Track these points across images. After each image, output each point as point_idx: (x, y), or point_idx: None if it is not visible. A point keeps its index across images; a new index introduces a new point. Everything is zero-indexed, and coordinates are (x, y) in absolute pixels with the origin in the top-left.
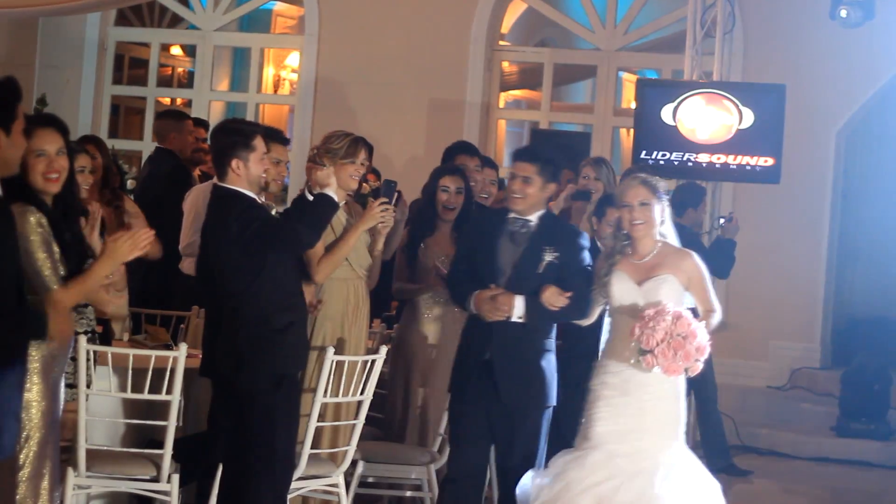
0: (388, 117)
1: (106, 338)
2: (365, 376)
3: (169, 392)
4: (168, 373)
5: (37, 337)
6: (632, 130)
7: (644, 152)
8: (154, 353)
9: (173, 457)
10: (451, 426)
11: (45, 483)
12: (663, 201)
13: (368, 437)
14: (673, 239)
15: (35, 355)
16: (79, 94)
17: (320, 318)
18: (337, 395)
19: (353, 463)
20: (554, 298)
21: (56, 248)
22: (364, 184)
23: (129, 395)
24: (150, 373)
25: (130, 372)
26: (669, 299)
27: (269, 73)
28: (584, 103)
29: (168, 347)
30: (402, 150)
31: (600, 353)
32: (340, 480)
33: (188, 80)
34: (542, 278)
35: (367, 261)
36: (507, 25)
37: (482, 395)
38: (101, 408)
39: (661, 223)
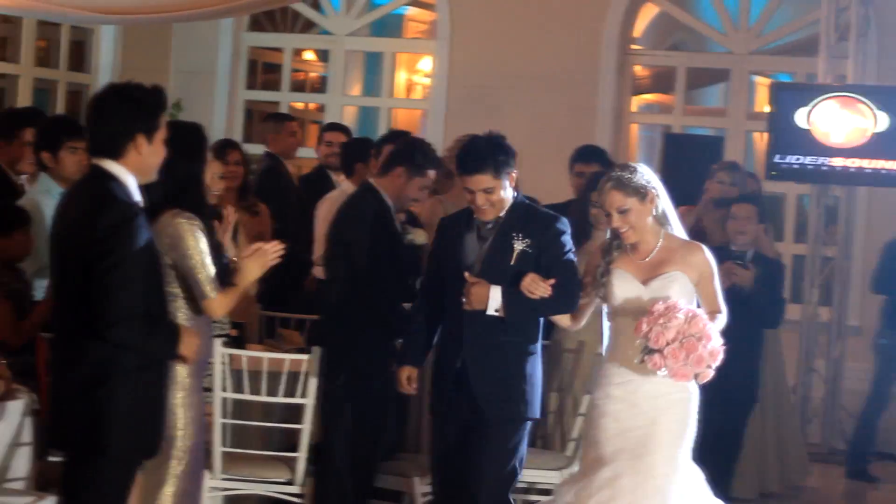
0: (520, 122)
1: (240, 342)
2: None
3: (303, 395)
4: (302, 376)
5: (167, 355)
6: (765, 134)
7: (778, 156)
8: (288, 356)
9: (308, 459)
10: (433, 447)
11: (189, 481)
12: (648, 193)
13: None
14: (678, 228)
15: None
16: (213, 99)
17: None
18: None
19: None
20: (534, 286)
21: (212, 258)
22: None
23: (264, 398)
24: (284, 376)
25: (265, 375)
26: (679, 298)
27: (401, 77)
28: (717, 107)
29: (302, 351)
30: (533, 155)
31: (602, 362)
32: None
33: (321, 85)
34: (519, 271)
35: None
36: (639, 29)
37: (460, 409)
38: (235, 411)
39: (655, 216)
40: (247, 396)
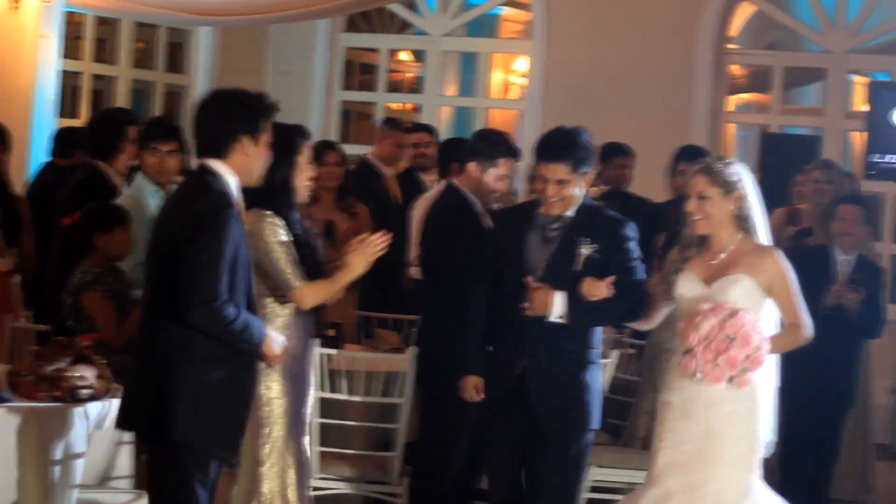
0: (617, 121)
1: (337, 342)
2: None
3: (400, 395)
4: (399, 376)
5: (248, 348)
6: (862, 133)
7: (876, 155)
8: (385, 356)
9: (404, 459)
10: (485, 459)
11: (291, 476)
12: (735, 190)
13: (601, 442)
14: (761, 234)
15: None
16: (309, 99)
17: None
18: None
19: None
20: (593, 287)
21: (294, 252)
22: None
23: (361, 398)
24: (381, 376)
25: (362, 375)
26: (741, 304)
27: (497, 77)
28: (814, 106)
29: (399, 351)
30: None
31: (668, 369)
32: None
33: (417, 86)
34: (582, 277)
35: None
36: (735, 28)
37: (514, 418)
38: (333, 410)
39: (736, 217)
40: (343, 396)
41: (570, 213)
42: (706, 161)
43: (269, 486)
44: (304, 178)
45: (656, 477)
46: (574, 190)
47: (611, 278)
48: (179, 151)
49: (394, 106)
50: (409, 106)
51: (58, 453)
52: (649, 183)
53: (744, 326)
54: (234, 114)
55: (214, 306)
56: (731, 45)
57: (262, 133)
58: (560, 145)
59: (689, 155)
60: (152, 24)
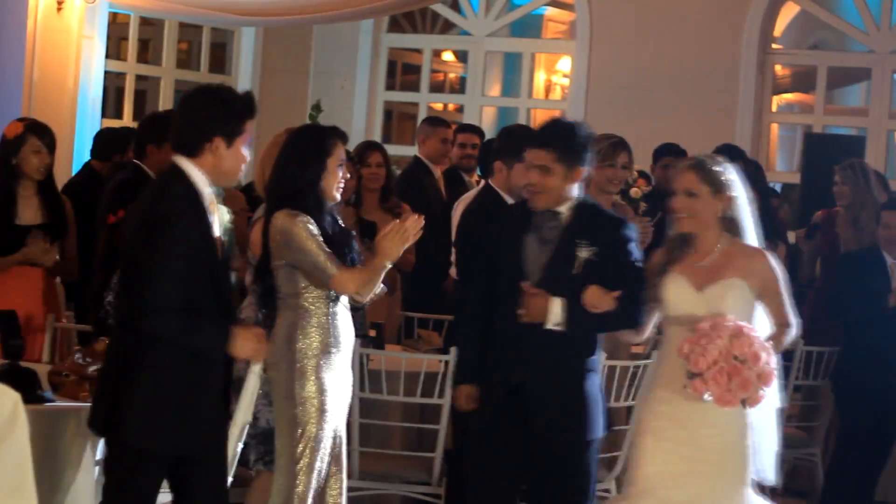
0: (660, 122)
1: (378, 342)
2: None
3: (440, 396)
4: (440, 377)
5: (212, 352)
6: None
7: None
8: (426, 356)
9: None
10: (470, 474)
11: (334, 481)
12: (724, 191)
13: None
14: (750, 236)
15: (308, 353)
16: (352, 100)
17: None
18: (608, 401)
19: (625, 469)
20: (597, 299)
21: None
22: (634, 188)
23: (402, 398)
24: (422, 376)
25: (403, 376)
26: (736, 309)
27: (540, 77)
28: (858, 106)
29: (441, 351)
30: None
31: (650, 374)
32: (612, 486)
33: (460, 86)
34: (581, 281)
35: None
36: (779, 28)
37: (511, 431)
38: (374, 411)
39: (723, 219)
40: (384, 396)
41: (565, 211)
42: (697, 157)
43: (303, 485)
44: (334, 181)
45: (645, 489)
46: (558, 182)
47: (617, 293)
48: None
49: (437, 106)
50: (452, 106)
51: (99, 453)
52: None
53: (752, 345)
54: (210, 112)
55: (165, 315)
56: (775, 46)
57: (240, 134)
58: (549, 132)
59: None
60: (196, 25)
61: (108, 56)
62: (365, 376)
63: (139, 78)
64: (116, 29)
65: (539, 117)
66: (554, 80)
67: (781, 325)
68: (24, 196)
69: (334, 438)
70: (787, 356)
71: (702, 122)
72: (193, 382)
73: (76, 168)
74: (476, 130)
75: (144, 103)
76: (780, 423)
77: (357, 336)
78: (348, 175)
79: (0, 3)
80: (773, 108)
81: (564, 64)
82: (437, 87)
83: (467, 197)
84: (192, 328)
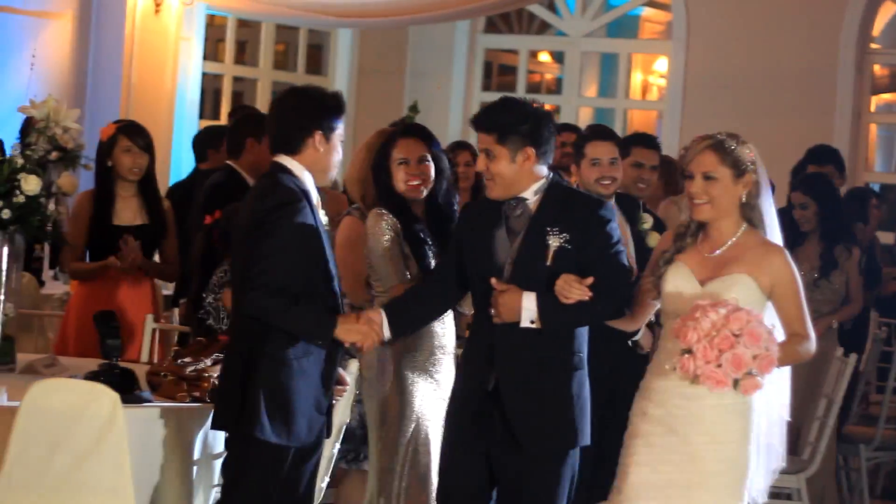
0: (757, 122)
1: None
2: None
3: None
4: None
5: (312, 337)
6: None
7: None
8: None
9: None
10: (439, 481)
11: (396, 477)
12: (747, 174)
13: None
14: (771, 228)
15: (388, 351)
16: (448, 100)
17: None
18: None
19: None
20: (567, 288)
21: (406, 250)
22: None
23: None
24: None
25: None
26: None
27: (637, 78)
28: None
29: None
30: (771, 155)
31: (647, 372)
32: None
33: (556, 87)
34: (555, 273)
35: None
36: (878, 28)
37: (483, 437)
38: None
39: (744, 205)
40: None
41: (531, 197)
42: (716, 136)
43: (397, 485)
44: (400, 178)
45: (629, 498)
46: (502, 167)
47: (589, 280)
48: None
49: None
50: (548, 107)
51: (197, 453)
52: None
53: (751, 322)
54: (308, 109)
55: (263, 294)
56: (873, 45)
57: (335, 130)
58: (486, 114)
59: (818, 157)
60: (292, 27)
61: (205, 58)
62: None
63: (236, 79)
64: (214, 31)
65: (636, 118)
66: (651, 80)
67: (794, 334)
68: (123, 197)
69: (429, 439)
70: (885, 357)
71: (799, 123)
72: (307, 376)
73: (174, 169)
74: (575, 129)
75: (241, 104)
76: (786, 441)
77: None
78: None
79: (98, 6)
80: (872, 109)
81: (661, 64)
82: (533, 88)
83: None
84: (290, 310)
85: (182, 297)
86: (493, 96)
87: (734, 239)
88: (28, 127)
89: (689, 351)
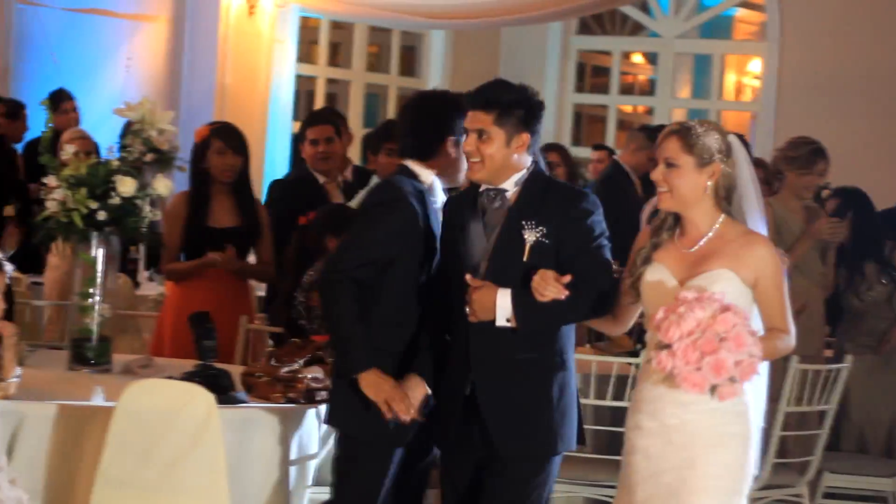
0: (853, 123)
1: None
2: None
3: (629, 399)
4: (630, 380)
5: (344, 369)
6: None
7: None
8: (616, 359)
9: None
10: (442, 492)
11: None
12: (713, 164)
13: (835, 447)
14: (754, 220)
15: None
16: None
17: None
18: (801, 405)
19: (818, 473)
20: (542, 285)
21: None
22: (825, 190)
23: (592, 401)
24: (612, 379)
25: (594, 378)
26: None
27: (730, 79)
28: None
29: (632, 354)
30: (869, 157)
31: (637, 380)
32: (804, 491)
33: (649, 88)
34: (534, 268)
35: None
36: None
37: (467, 444)
38: None
39: (717, 197)
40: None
41: (511, 188)
42: (685, 122)
43: None
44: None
45: None
46: (495, 149)
47: (567, 277)
48: None
49: (626, 108)
50: (641, 108)
51: (293, 454)
52: (891, 187)
53: (737, 326)
54: (443, 115)
55: (332, 277)
56: None
57: (464, 133)
58: (487, 91)
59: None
60: (386, 28)
61: (299, 60)
62: None
63: (330, 81)
64: (307, 33)
65: (729, 119)
66: (744, 81)
67: (774, 328)
68: (219, 199)
69: None
70: None
71: (895, 124)
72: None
73: (268, 171)
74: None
75: (335, 106)
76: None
77: None
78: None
79: (193, 9)
80: None
81: (755, 65)
82: (626, 90)
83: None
84: (346, 307)
85: (275, 297)
86: (586, 98)
87: (711, 232)
88: (126, 129)
89: (668, 346)
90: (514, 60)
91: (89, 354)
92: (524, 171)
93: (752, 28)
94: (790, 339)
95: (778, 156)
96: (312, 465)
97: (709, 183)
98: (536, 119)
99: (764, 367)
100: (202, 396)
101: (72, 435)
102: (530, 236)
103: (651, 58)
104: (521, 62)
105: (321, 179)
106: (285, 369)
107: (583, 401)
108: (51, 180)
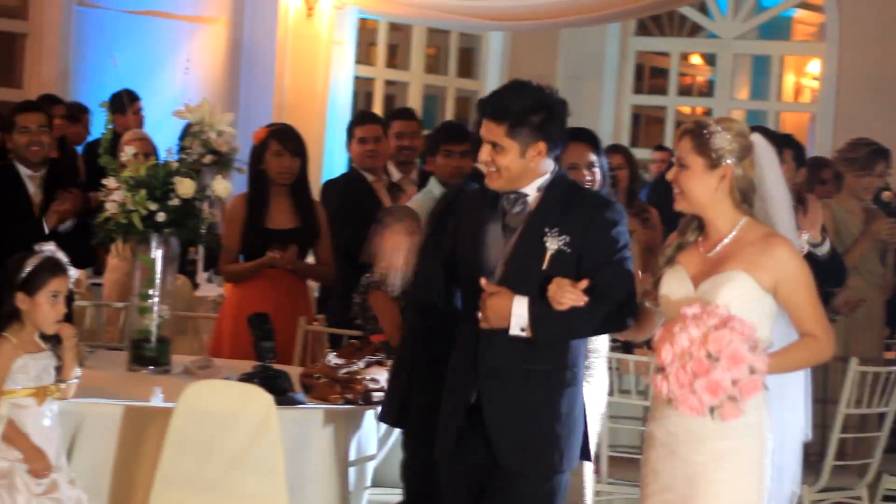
0: None
1: (628, 346)
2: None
3: None
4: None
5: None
6: None
7: None
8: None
9: None
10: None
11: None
12: (721, 166)
13: (894, 450)
14: (782, 222)
15: None
16: (599, 104)
17: None
18: (860, 407)
19: (878, 476)
20: (559, 293)
21: None
22: (886, 192)
23: (649, 402)
24: None
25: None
26: (732, 306)
27: (789, 80)
28: None
29: None
30: None
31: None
32: (864, 493)
33: (708, 89)
34: (552, 277)
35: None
36: None
37: (468, 455)
38: (625, 414)
39: (736, 199)
40: (634, 400)
41: (533, 193)
42: (700, 121)
43: None
44: None
45: None
46: (510, 161)
47: (583, 283)
48: (470, 153)
49: (684, 109)
50: (700, 109)
51: (351, 455)
52: None
53: (732, 343)
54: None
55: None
56: None
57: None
58: (499, 100)
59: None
60: (444, 30)
61: (357, 61)
62: (613, 381)
63: (388, 83)
64: (366, 34)
65: (788, 121)
66: (803, 82)
67: (808, 334)
68: (277, 201)
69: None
70: None
71: None
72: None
73: (326, 172)
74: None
75: (394, 107)
76: (801, 462)
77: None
78: None
79: (251, 11)
80: None
81: (814, 66)
82: (685, 91)
83: None
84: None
85: (330, 297)
86: (644, 99)
87: (731, 235)
88: (185, 131)
89: (661, 368)
90: (572, 62)
91: (149, 355)
92: (546, 175)
93: (811, 29)
94: (825, 345)
95: (837, 157)
96: (371, 466)
97: (720, 185)
98: (556, 123)
99: (798, 377)
100: (261, 397)
101: (131, 435)
102: (552, 244)
103: (710, 59)
104: (580, 63)
105: (369, 178)
106: (344, 370)
107: (643, 402)
108: (110, 182)
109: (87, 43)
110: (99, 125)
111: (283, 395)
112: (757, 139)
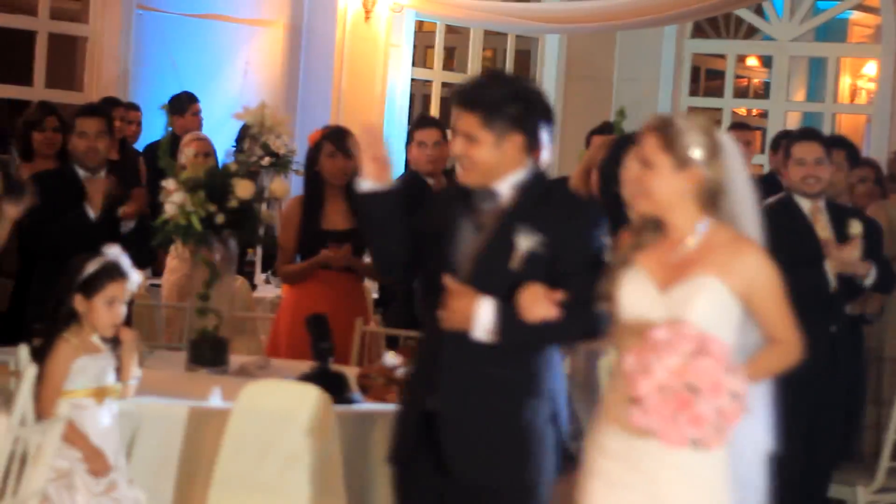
0: None
1: None
2: None
3: None
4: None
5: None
6: None
7: None
8: None
9: None
10: None
11: None
12: (689, 167)
13: None
14: (748, 223)
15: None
16: (656, 106)
17: None
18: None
19: None
20: (531, 302)
21: None
22: None
23: None
24: None
25: None
26: (707, 318)
27: (845, 82)
28: None
29: None
30: None
31: (604, 391)
32: None
33: (764, 91)
34: (522, 278)
35: None
36: None
37: (423, 468)
38: None
39: (703, 200)
40: None
41: (506, 190)
42: (666, 119)
43: None
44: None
45: None
46: (486, 154)
47: (557, 295)
48: (444, 142)
49: (740, 112)
50: (756, 111)
51: None
52: None
53: (712, 371)
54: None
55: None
56: None
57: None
58: (473, 90)
59: None
60: (500, 33)
61: (414, 64)
62: None
63: (445, 85)
64: (423, 37)
65: (844, 123)
66: (859, 84)
67: (775, 339)
68: (332, 202)
69: None
70: None
71: None
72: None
73: None
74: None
75: (450, 110)
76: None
77: None
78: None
79: (309, 14)
80: None
81: (870, 68)
82: (741, 93)
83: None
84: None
85: (389, 299)
86: (700, 101)
87: (696, 237)
88: (244, 133)
89: (638, 401)
90: (628, 64)
91: (207, 355)
92: (522, 172)
93: (868, 31)
94: (795, 350)
95: (892, 158)
96: None
97: (688, 186)
98: (536, 115)
99: (760, 389)
100: (318, 398)
101: (189, 435)
102: (524, 243)
103: (765, 61)
104: (636, 66)
105: (430, 181)
106: (400, 371)
107: None
108: (169, 183)
109: (147, 46)
110: (153, 126)
111: (339, 395)
112: (724, 139)
